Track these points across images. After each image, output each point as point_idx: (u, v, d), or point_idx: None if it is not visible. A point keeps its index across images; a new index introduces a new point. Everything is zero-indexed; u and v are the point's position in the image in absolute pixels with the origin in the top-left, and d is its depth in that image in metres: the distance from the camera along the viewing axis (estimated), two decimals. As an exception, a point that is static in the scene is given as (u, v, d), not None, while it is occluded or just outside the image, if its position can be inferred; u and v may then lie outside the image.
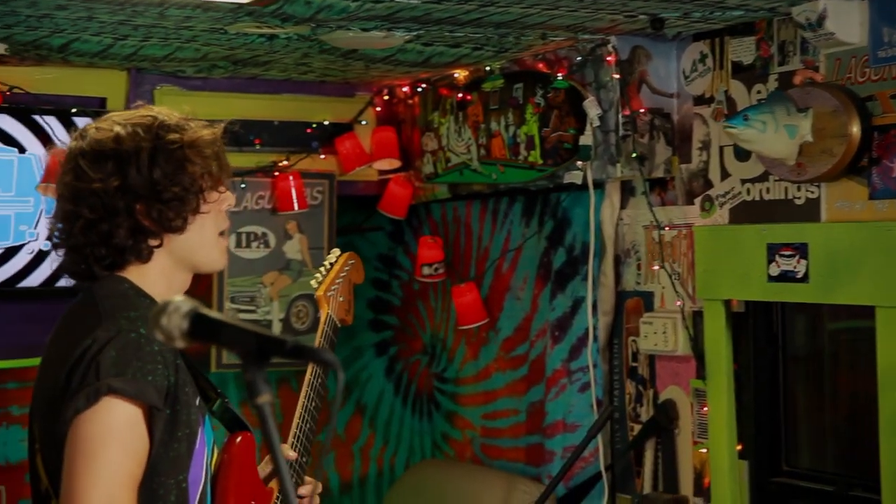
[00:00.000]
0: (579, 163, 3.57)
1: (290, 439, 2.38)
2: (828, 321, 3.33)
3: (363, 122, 4.47)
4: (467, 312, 4.27)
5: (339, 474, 4.90)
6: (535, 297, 4.08)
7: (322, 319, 2.57)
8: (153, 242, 2.00)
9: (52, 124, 3.80)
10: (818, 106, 2.94)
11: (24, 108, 3.81)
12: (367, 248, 4.89)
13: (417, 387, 4.80)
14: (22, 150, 3.79)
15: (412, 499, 4.42)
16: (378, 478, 4.93)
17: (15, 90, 3.86)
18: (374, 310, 4.95)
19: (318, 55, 3.73)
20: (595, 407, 3.68)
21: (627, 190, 3.66)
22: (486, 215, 4.35)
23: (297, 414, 2.41)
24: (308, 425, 2.42)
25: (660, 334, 3.47)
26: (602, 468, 3.65)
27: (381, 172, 4.54)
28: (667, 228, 3.50)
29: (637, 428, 3.62)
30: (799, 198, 3.12)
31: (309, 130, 4.39)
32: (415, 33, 3.35)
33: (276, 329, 4.28)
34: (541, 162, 3.77)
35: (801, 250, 3.04)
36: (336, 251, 2.70)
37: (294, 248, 4.38)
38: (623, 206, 3.68)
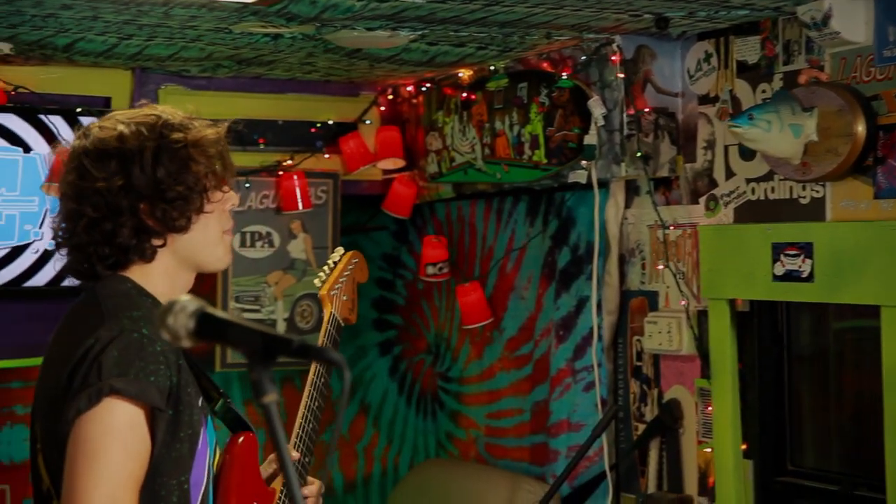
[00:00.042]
0: (584, 162, 3.57)
1: (293, 439, 2.38)
2: (833, 320, 3.33)
3: (367, 122, 4.48)
4: (471, 312, 4.27)
5: (344, 474, 4.90)
6: (540, 297, 4.08)
7: (325, 318, 2.56)
8: (157, 242, 1.99)
9: (57, 124, 3.81)
10: (823, 105, 2.94)
11: (30, 107, 3.82)
12: (371, 248, 4.89)
13: (421, 386, 4.80)
14: (27, 149, 3.80)
15: (416, 498, 4.42)
16: (382, 477, 4.93)
17: (20, 90, 3.86)
18: (378, 309, 4.95)
19: (323, 54, 3.73)
20: (599, 406, 3.68)
21: (632, 189, 3.66)
22: (491, 215, 4.35)
23: (299, 414, 2.41)
24: (311, 425, 2.41)
25: (664, 334, 3.47)
26: (606, 468, 3.65)
27: (386, 172, 4.54)
28: (671, 228, 3.50)
29: (641, 427, 3.61)
30: (804, 197, 3.12)
31: (313, 130, 4.39)
32: (419, 33, 3.35)
33: (281, 328, 4.28)
34: (545, 161, 3.77)
35: (806, 250, 3.04)
36: (340, 250, 2.69)
37: (298, 248, 4.38)
38: (628, 205, 3.68)
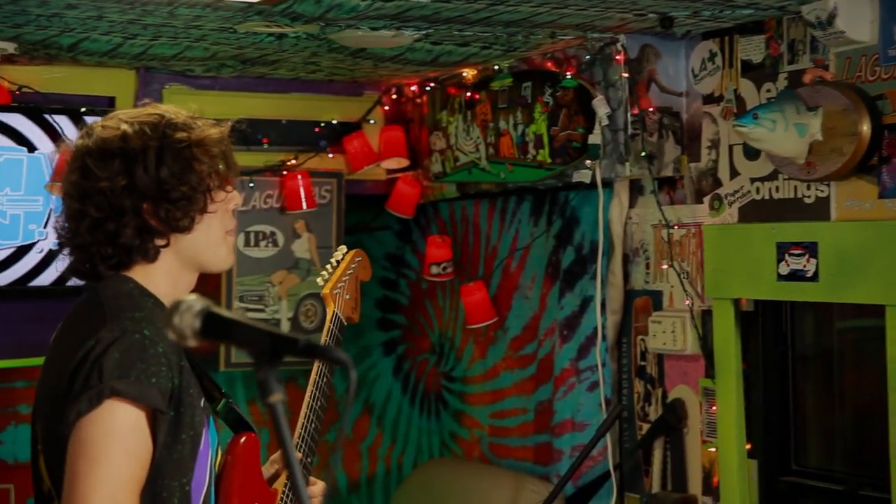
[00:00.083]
0: (588, 162, 3.57)
1: (295, 440, 2.37)
2: (837, 320, 3.32)
3: (371, 121, 4.47)
4: (475, 311, 4.27)
5: (347, 473, 4.90)
6: (544, 296, 4.08)
7: (328, 317, 2.55)
8: (160, 242, 1.98)
9: (62, 124, 3.81)
10: (828, 104, 2.94)
11: (34, 107, 3.82)
12: (375, 247, 4.89)
13: (425, 386, 4.80)
14: (32, 149, 3.80)
15: (420, 498, 4.42)
16: (386, 477, 4.93)
17: (24, 89, 3.87)
18: (382, 309, 4.95)
19: (327, 54, 3.73)
20: (603, 406, 3.68)
21: (636, 189, 3.66)
22: (495, 214, 4.35)
23: (302, 414, 2.40)
24: (313, 425, 2.41)
25: (668, 333, 3.47)
26: (611, 467, 3.65)
27: (390, 171, 4.54)
28: (676, 227, 3.50)
29: (645, 427, 3.61)
30: (808, 196, 3.11)
31: (317, 129, 4.39)
32: (423, 32, 3.35)
33: (285, 328, 4.28)
34: (549, 161, 3.77)
35: (810, 249, 3.03)
36: (343, 248, 2.69)
37: (302, 247, 4.39)
38: (632, 204, 3.67)
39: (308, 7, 2.97)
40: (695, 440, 3.47)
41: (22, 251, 3.83)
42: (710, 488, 3.42)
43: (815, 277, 3.02)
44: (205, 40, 3.47)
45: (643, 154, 3.45)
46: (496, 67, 3.98)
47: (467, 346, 4.52)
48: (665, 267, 3.53)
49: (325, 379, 2.45)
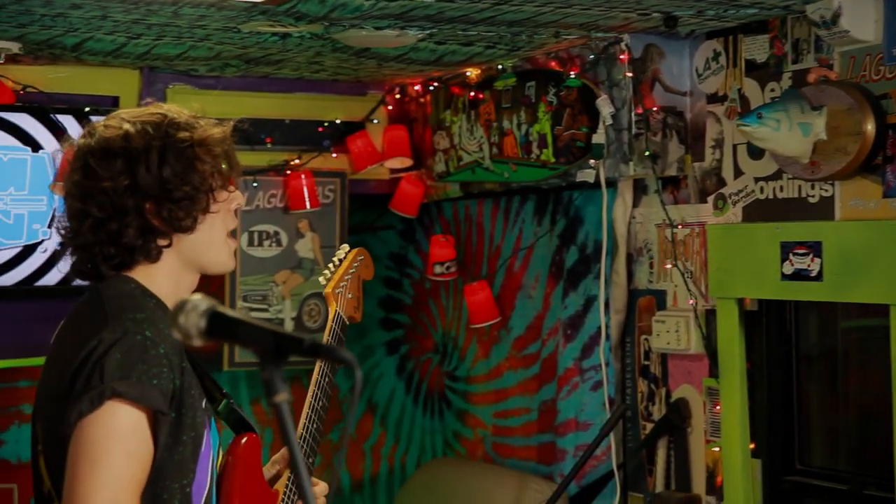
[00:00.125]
0: (592, 161, 3.57)
1: (297, 440, 2.36)
2: (841, 319, 3.32)
3: (375, 121, 4.48)
4: (479, 311, 4.27)
5: (351, 473, 4.91)
6: (547, 296, 4.08)
7: (330, 317, 2.54)
8: (162, 242, 1.97)
9: (68, 123, 3.81)
10: (832, 104, 2.94)
11: (38, 106, 3.83)
12: (378, 247, 4.89)
13: (429, 385, 4.80)
14: (36, 148, 3.81)
15: (424, 497, 4.42)
16: (389, 476, 4.93)
17: (28, 89, 3.87)
18: (385, 308, 4.95)
19: (331, 54, 3.73)
20: (607, 405, 3.68)
21: (640, 188, 3.66)
22: (498, 214, 4.35)
23: (303, 414, 2.39)
24: (315, 425, 2.39)
25: (672, 333, 3.47)
26: (614, 467, 3.65)
27: (393, 171, 4.54)
28: (679, 227, 3.50)
29: (649, 426, 3.61)
30: (813, 196, 3.11)
31: (321, 129, 4.39)
32: (427, 32, 3.35)
33: (289, 328, 4.28)
34: (553, 160, 3.77)
35: (814, 249, 3.03)
36: (345, 247, 2.67)
37: (306, 247, 4.39)
38: (636, 204, 3.67)
39: (312, 7, 2.97)
40: (698, 440, 3.47)
41: (27, 251, 3.83)
42: (713, 488, 3.42)
43: (819, 277, 3.02)
44: (209, 40, 3.48)
45: (647, 153, 3.45)
46: (500, 67, 3.98)
47: (471, 346, 4.52)
48: (669, 266, 3.53)
49: (326, 379, 2.44)
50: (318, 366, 2.44)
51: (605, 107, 3.50)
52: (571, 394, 3.89)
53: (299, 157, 4.35)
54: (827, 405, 3.39)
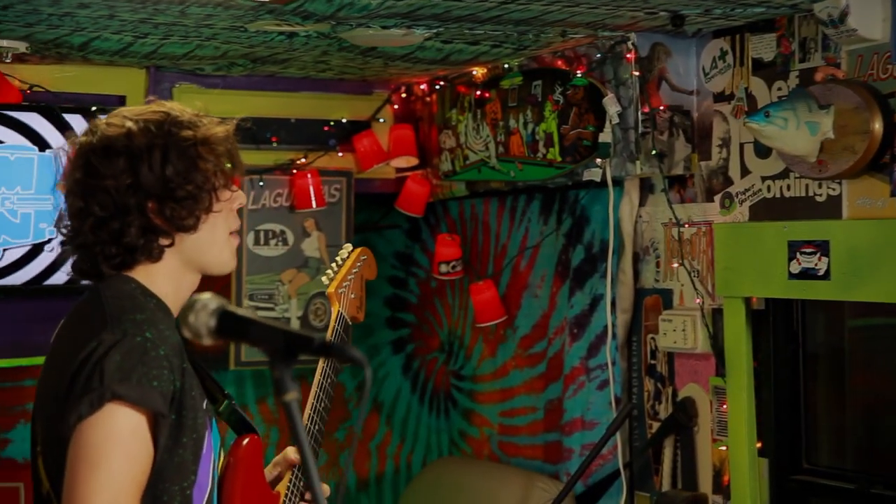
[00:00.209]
0: (598, 160, 3.57)
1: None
2: (848, 318, 3.32)
3: (381, 120, 4.48)
4: (485, 310, 4.27)
5: (357, 472, 4.91)
6: (554, 295, 4.07)
7: (332, 317, 2.53)
8: (164, 242, 1.96)
9: (76, 123, 3.82)
10: (840, 103, 2.93)
11: (45, 105, 3.83)
12: (384, 246, 4.89)
13: (434, 384, 4.80)
14: (43, 148, 3.81)
15: (429, 496, 4.42)
16: (395, 475, 4.93)
17: (35, 88, 3.88)
18: (391, 307, 4.95)
19: (337, 53, 3.73)
20: (613, 404, 3.68)
21: (647, 187, 3.66)
22: (504, 213, 4.35)
23: (305, 415, 2.38)
24: (317, 426, 2.38)
25: (679, 332, 3.46)
26: (620, 466, 3.65)
27: (399, 170, 4.54)
28: (686, 226, 3.50)
29: (656, 426, 3.61)
30: (820, 195, 3.11)
31: (326, 128, 4.40)
32: (434, 31, 3.35)
33: (295, 327, 4.28)
34: (559, 159, 3.76)
35: (822, 248, 3.03)
36: (348, 246, 2.67)
37: (312, 246, 4.39)
38: (642, 203, 3.67)
39: (319, 6, 2.97)
40: (705, 439, 3.47)
41: (35, 250, 3.84)
42: (720, 487, 3.42)
43: (826, 276, 3.02)
44: (215, 39, 3.48)
45: (654, 152, 3.44)
46: (506, 66, 3.97)
47: (477, 345, 4.52)
48: (675, 265, 3.53)
49: (329, 380, 2.43)
50: (320, 366, 2.43)
51: (611, 106, 3.50)
52: (578, 393, 3.89)
53: (305, 157, 4.35)
54: (834, 404, 3.38)
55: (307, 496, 2.32)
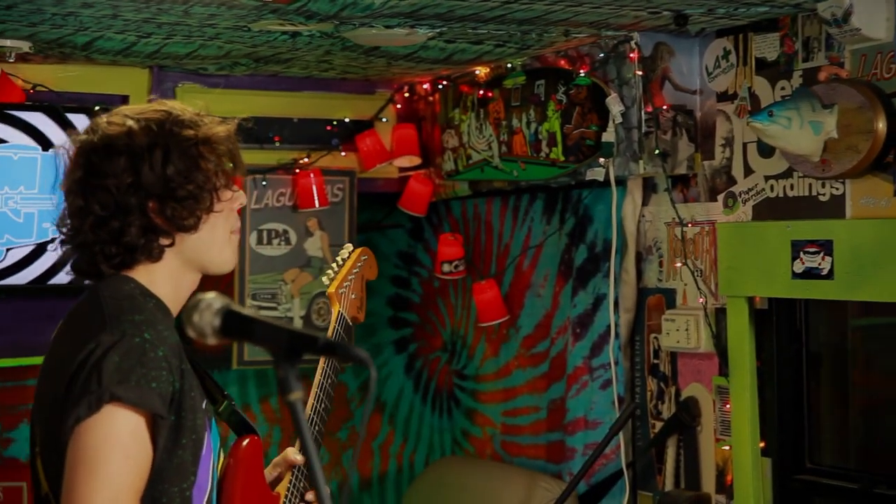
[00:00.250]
0: (601, 159, 3.57)
1: (298, 442, 2.35)
2: (852, 318, 3.32)
3: (384, 120, 4.48)
4: (488, 309, 4.27)
5: (359, 472, 4.91)
6: (556, 294, 4.07)
7: (333, 317, 2.53)
8: (164, 241, 1.94)
9: (81, 122, 3.82)
10: (843, 102, 2.93)
11: (50, 105, 3.84)
12: (386, 246, 4.89)
13: (437, 384, 4.80)
14: (47, 147, 3.82)
15: (432, 496, 4.42)
16: (398, 475, 4.93)
17: (38, 88, 3.88)
18: (393, 307, 4.95)
19: (340, 52, 3.73)
20: (616, 404, 3.68)
21: (650, 187, 3.66)
22: (507, 212, 4.35)
23: (305, 415, 2.38)
24: (317, 427, 2.38)
25: (682, 331, 3.46)
26: (623, 465, 3.65)
27: (402, 169, 4.54)
28: (689, 225, 3.49)
29: (659, 425, 3.61)
30: (823, 194, 3.11)
31: (329, 128, 4.40)
32: (437, 30, 3.35)
33: (297, 326, 4.28)
34: (562, 159, 3.76)
35: (825, 247, 3.03)
36: (349, 246, 2.66)
37: (315, 246, 4.39)
38: (645, 202, 3.67)
39: (323, 5, 2.97)
40: (708, 438, 3.47)
41: (39, 250, 3.84)
42: (723, 486, 3.42)
43: (829, 275, 3.01)
44: (219, 39, 3.48)
45: (657, 152, 3.44)
46: (509, 65, 3.97)
47: (479, 344, 4.52)
48: (678, 265, 3.53)
49: (329, 380, 2.42)
50: (320, 366, 2.42)
51: (614, 105, 3.50)
52: (581, 392, 3.88)
53: (308, 156, 4.35)
54: (837, 404, 3.38)
55: (307, 497, 2.32)
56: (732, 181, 3.38)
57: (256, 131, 4.18)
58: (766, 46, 3.25)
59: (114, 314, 1.86)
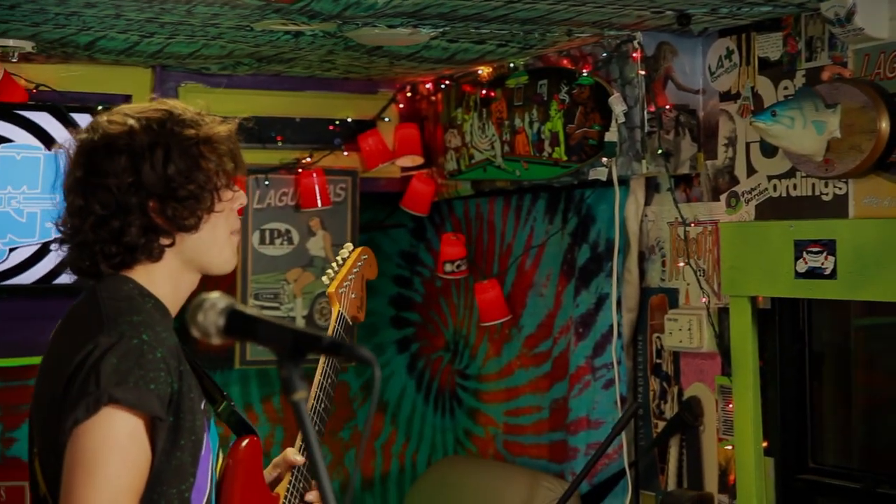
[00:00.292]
0: (604, 159, 3.57)
1: (298, 443, 2.33)
2: (855, 318, 3.32)
3: (386, 119, 4.48)
4: (490, 309, 4.27)
5: (362, 471, 4.91)
6: (559, 294, 4.07)
7: (333, 317, 2.52)
8: (165, 241, 1.93)
9: (84, 122, 3.82)
10: (846, 102, 2.93)
11: (54, 105, 3.84)
12: (389, 245, 4.89)
13: (440, 383, 4.80)
14: (50, 147, 3.82)
15: (434, 496, 4.42)
16: (400, 474, 4.93)
17: (41, 88, 3.88)
18: (395, 306, 4.95)
19: (343, 52, 3.73)
20: (619, 404, 3.67)
21: (652, 186, 3.65)
22: (510, 212, 4.35)
23: None
24: (317, 427, 2.38)
25: (685, 331, 3.46)
26: (626, 465, 3.65)
27: (404, 169, 4.54)
28: (692, 225, 3.49)
29: (661, 425, 3.61)
30: (826, 194, 3.10)
31: (332, 127, 4.40)
32: (440, 30, 3.35)
33: (301, 326, 4.28)
34: (565, 158, 3.76)
35: (828, 247, 3.02)
36: (349, 246, 2.66)
37: (317, 245, 4.39)
38: (648, 202, 3.67)
39: (325, 5, 2.97)
40: (711, 438, 3.47)
41: (43, 250, 3.84)
42: (726, 486, 3.41)
43: (832, 275, 3.01)
44: (221, 38, 3.48)
45: (660, 152, 3.44)
46: (512, 65, 3.97)
47: (482, 344, 4.52)
48: (681, 265, 3.53)
49: (329, 380, 2.42)
50: (320, 366, 2.42)
51: (617, 105, 3.50)
52: (583, 392, 3.88)
53: (310, 156, 4.35)
54: (840, 403, 3.38)
55: (307, 497, 2.31)
56: (735, 181, 3.38)
57: (259, 131, 4.18)
58: (770, 46, 3.25)
59: (112, 315, 1.85)
